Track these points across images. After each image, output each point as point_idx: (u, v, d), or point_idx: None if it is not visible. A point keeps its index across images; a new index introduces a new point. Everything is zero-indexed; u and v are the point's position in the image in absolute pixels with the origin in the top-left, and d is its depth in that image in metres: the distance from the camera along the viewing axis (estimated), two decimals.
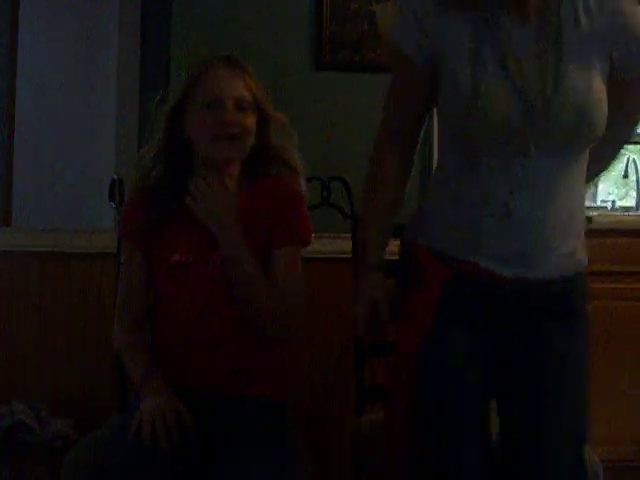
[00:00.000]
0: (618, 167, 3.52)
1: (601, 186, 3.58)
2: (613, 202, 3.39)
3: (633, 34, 1.40)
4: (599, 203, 3.34)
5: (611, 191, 3.59)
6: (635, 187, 3.40)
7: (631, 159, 3.38)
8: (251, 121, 1.68)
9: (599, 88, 1.38)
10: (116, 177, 2.15)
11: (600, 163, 1.57)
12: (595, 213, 2.91)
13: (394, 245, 2.34)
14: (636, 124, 1.58)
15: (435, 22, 1.39)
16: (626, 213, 3.28)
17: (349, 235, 2.17)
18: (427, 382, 1.44)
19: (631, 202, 3.44)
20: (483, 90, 1.35)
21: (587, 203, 1.92)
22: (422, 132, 1.56)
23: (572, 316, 1.45)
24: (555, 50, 1.36)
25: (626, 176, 3.40)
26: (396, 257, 1.58)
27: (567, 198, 1.41)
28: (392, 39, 1.46)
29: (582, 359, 1.46)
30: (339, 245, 2.35)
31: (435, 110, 1.52)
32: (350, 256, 2.15)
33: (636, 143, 3.52)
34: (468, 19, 1.37)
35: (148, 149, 1.75)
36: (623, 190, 3.59)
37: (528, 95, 1.34)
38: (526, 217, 1.38)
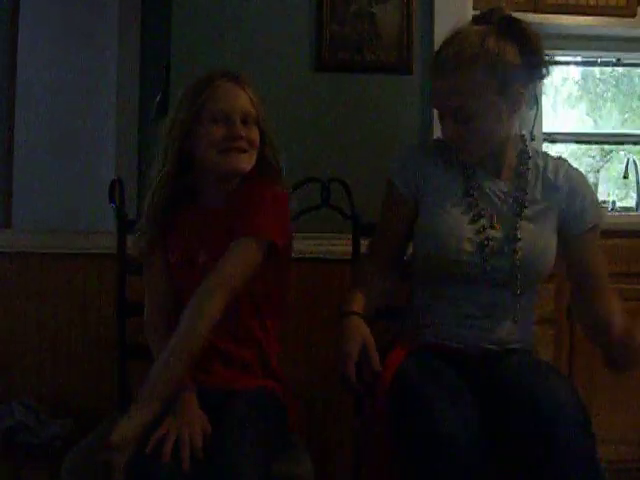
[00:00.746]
0: (618, 168, 3.53)
1: (601, 187, 3.59)
2: (613, 203, 3.39)
3: (577, 197, 1.74)
4: None
5: (611, 192, 3.59)
6: (635, 188, 3.41)
7: (631, 160, 3.38)
8: (256, 135, 1.73)
9: (547, 240, 1.72)
10: (116, 178, 2.15)
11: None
12: None
13: None
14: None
15: (423, 168, 1.77)
16: (626, 214, 3.29)
17: (349, 236, 2.17)
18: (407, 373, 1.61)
19: (631, 203, 3.45)
20: (441, 228, 1.70)
21: None
22: (401, 259, 1.87)
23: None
24: (516, 206, 1.72)
25: (626, 177, 3.40)
26: None
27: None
28: (390, 172, 1.83)
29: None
30: (339, 246, 2.36)
31: None
32: (350, 257, 2.15)
33: (636, 143, 3.53)
34: (450, 170, 1.75)
35: (156, 173, 1.77)
36: (623, 191, 3.59)
37: (483, 240, 1.69)
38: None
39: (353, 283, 1.84)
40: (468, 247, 1.68)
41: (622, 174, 3.41)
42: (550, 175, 1.76)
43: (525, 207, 1.73)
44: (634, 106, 3.57)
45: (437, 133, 2.47)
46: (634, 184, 3.40)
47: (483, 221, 1.71)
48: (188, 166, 1.76)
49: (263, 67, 2.49)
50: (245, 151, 1.71)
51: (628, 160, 3.38)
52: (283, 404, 1.73)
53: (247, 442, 1.50)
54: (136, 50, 3.16)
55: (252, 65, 2.48)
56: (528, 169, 1.75)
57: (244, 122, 1.72)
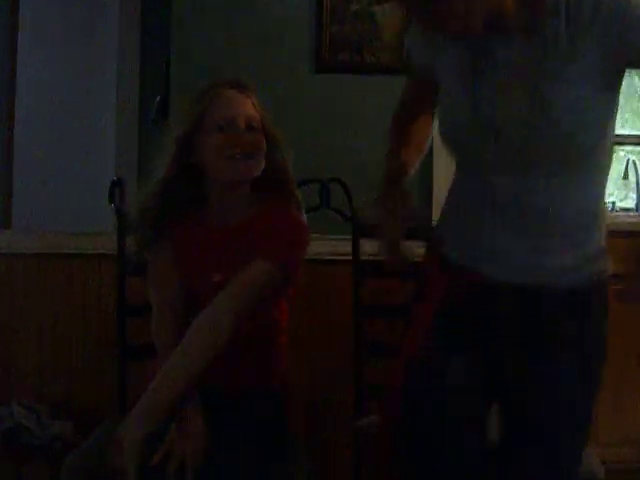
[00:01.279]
0: (618, 168, 3.52)
1: None
2: (613, 203, 3.39)
3: (623, 14, 1.31)
4: None
5: (611, 192, 3.59)
6: (635, 188, 3.40)
7: (631, 161, 3.38)
8: (261, 140, 1.71)
9: (583, 98, 1.34)
10: (116, 179, 2.15)
11: None
12: None
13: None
14: None
15: (431, 44, 1.48)
16: (626, 214, 3.28)
17: (348, 237, 2.17)
18: (421, 387, 1.44)
19: (631, 204, 3.44)
20: (454, 108, 1.43)
21: None
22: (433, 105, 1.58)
23: (573, 327, 1.41)
24: (538, 70, 1.34)
25: (626, 177, 3.39)
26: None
27: (562, 213, 1.39)
28: (405, 44, 1.60)
29: (587, 365, 1.43)
30: (338, 247, 2.36)
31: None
32: (350, 258, 2.15)
33: (636, 144, 3.53)
34: (458, 44, 1.42)
35: (155, 184, 1.76)
36: (623, 191, 3.59)
37: (500, 117, 1.36)
38: (514, 229, 1.40)
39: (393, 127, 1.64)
40: (476, 127, 1.39)
41: (622, 175, 3.41)
42: (577, 10, 1.33)
43: (550, 63, 1.34)
44: (634, 106, 3.57)
45: (437, 133, 2.47)
46: (634, 185, 3.40)
47: (492, 93, 1.38)
48: (195, 177, 1.73)
49: (263, 67, 2.49)
50: (251, 157, 1.69)
51: (628, 161, 3.38)
52: (283, 404, 1.73)
53: (247, 443, 1.50)
54: (136, 50, 3.16)
55: (252, 65, 2.48)
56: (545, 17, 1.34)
57: (249, 128, 1.70)
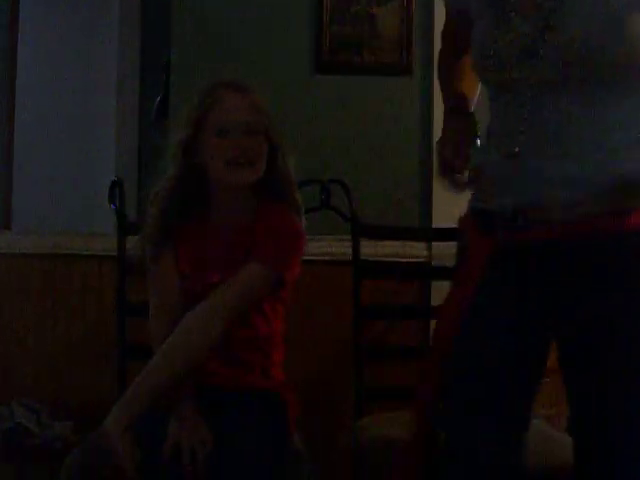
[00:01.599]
0: None
1: None
2: None
3: None
4: None
5: None
6: None
7: None
8: (262, 144, 1.70)
9: (614, 8, 1.24)
10: (116, 179, 2.15)
11: None
12: None
13: (388, 247, 2.38)
14: None
15: None
16: None
17: (348, 237, 2.18)
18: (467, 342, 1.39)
19: None
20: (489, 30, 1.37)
21: None
22: None
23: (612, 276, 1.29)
24: None
25: None
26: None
27: (611, 136, 1.28)
28: None
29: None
30: (338, 248, 2.36)
31: None
32: (350, 259, 2.15)
33: None
34: None
35: (162, 183, 1.76)
36: None
37: (524, 29, 1.31)
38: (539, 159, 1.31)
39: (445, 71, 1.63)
40: (514, 47, 1.32)
41: None
42: None
43: None
44: None
45: (437, 134, 2.47)
46: None
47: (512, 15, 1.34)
48: (198, 177, 1.73)
49: (263, 68, 2.49)
50: (250, 163, 1.68)
51: None
52: (283, 404, 1.73)
53: (247, 444, 1.51)
54: (136, 50, 3.16)
55: (252, 65, 2.48)
56: None
57: (248, 133, 1.68)
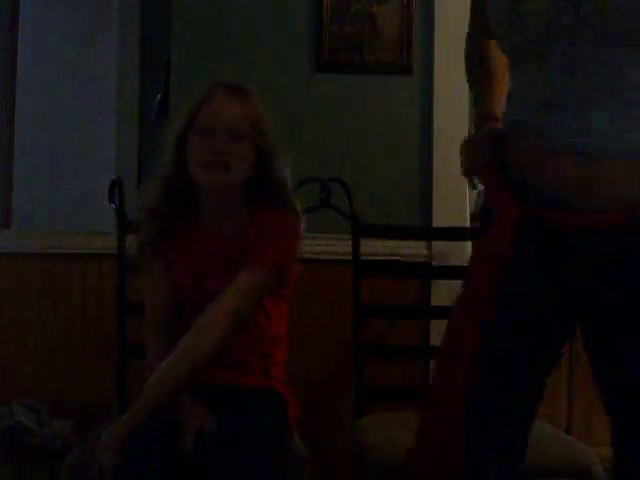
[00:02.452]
0: None
1: None
2: None
3: None
4: None
5: None
6: None
7: None
8: (244, 149, 1.68)
9: None
10: (116, 178, 2.15)
11: None
12: None
13: (388, 246, 2.38)
14: None
15: None
16: None
17: (348, 237, 2.18)
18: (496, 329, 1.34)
19: None
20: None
21: None
22: None
23: None
24: None
25: None
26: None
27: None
28: None
29: None
30: (338, 247, 2.36)
31: None
32: (350, 258, 2.15)
33: None
34: None
35: (153, 179, 1.76)
36: None
37: None
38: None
39: (473, 68, 1.58)
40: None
41: None
42: None
43: None
44: None
45: (437, 134, 2.48)
46: None
47: None
48: (188, 177, 1.71)
49: (263, 67, 2.49)
50: (226, 167, 1.65)
51: None
52: (283, 404, 1.73)
53: (248, 443, 1.51)
54: (136, 50, 3.16)
55: (252, 65, 2.48)
56: None
57: (231, 137, 1.65)
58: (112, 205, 2.11)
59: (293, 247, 1.72)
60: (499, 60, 1.50)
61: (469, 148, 1.46)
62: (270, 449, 1.55)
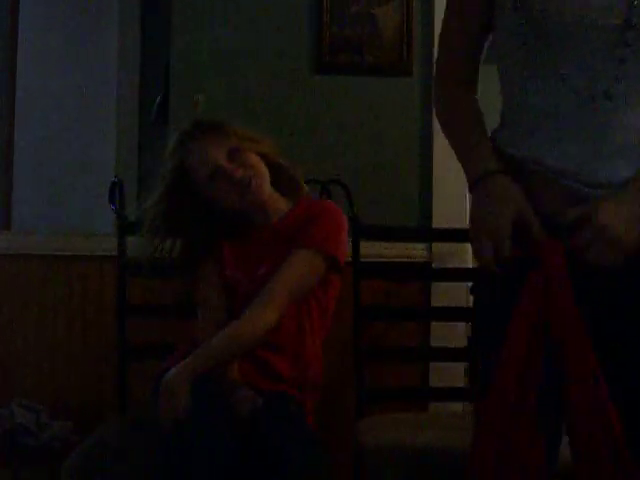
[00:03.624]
0: None
1: None
2: None
3: None
4: None
5: None
6: None
7: None
8: (247, 158, 1.76)
9: None
10: (116, 179, 2.15)
11: None
12: None
13: (388, 247, 2.38)
14: None
15: None
16: None
17: (349, 238, 2.17)
18: None
19: None
20: None
21: None
22: (480, 60, 1.35)
23: None
24: None
25: None
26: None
27: None
28: None
29: None
30: None
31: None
32: (350, 259, 2.14)
33: None
34: None
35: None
36: None
37: None
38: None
39: (460, 124, 1.32)
40: None
41: None
42: None
43: None
44: None
45: (437, 134, 2.47)
46: None
47: None
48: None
49: (263, 68, 2.49)
50: (250, 179, 1.74)
51: None
52: (302, 403, 1.77)
53: (279, 442, 1.54)
54: (136, 50, 3.16)
55: (252, 66, 2.48)
56: None
57: (233, 156, 1.74)
58: (112, 206, 2.11)
59: (339, 231, 1.78)
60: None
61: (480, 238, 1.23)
62: (304, 443, 1.59)
